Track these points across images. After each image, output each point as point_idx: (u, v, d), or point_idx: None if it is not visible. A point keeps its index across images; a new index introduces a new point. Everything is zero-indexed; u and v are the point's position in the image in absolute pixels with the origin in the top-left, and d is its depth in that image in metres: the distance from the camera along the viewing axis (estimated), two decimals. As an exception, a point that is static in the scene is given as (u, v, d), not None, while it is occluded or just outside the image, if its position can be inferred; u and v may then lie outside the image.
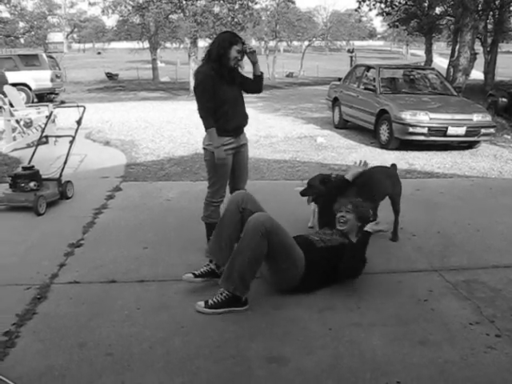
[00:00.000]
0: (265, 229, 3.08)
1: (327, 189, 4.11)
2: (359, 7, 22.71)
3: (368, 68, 11.24)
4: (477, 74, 24.70)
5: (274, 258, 3.20)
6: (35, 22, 40.38)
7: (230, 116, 3.73)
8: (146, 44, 33.74)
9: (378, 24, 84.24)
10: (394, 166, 4.74)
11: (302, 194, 4.34)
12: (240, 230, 3.35)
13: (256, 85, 3.93)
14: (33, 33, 39.86)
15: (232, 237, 3.36)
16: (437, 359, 2.65)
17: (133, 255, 4.00)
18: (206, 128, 3.72)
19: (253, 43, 44.47)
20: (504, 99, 12.61)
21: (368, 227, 3.44)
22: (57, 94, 18.90)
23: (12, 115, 8.71)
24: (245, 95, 3.99)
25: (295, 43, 54.69)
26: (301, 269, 3.26)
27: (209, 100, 3.67)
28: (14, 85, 12.37)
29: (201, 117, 3.73)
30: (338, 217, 3.63)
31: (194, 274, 3.40)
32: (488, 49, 22.59)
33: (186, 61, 32.66)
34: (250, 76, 3.90)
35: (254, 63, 3.81)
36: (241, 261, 3.08)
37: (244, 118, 3.92)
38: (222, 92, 3.67)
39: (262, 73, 3.90)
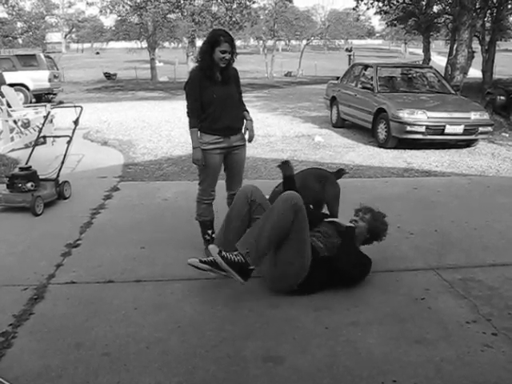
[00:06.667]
0: (296, 203, 3.14)
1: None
2: (357, 6, 22.69)
3: (366, 67, 11.23)
4: (475, 73, 24.65)
5: (288, 243, 3.18)
6: (33, 23, 40.46)
7: (217, 116, 3.73)
8: (144, 44, 33.72)
9: (377, 23, 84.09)
10: (338, 171, 4.51)
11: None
12: (247, 222, 3.39)
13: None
14: (31, 33, 39.91)
15: (240, 229, 3.38)
16: (433, 358, 2.65)
17: (130, 255, 4.00)
18: (190, 127, 3.79)
19: (251, 42, 44.49)
20: (502, 97, 12.61)
21: None
22: (55, 94, 18.85)
23: (10, 115, 8.70)
24: (243, 94, 4.02)
25: (293, 42, 54.64)
26: (305, 270, 3.24)
27: (195, 100, 3.72)
28: (11, 85, 12.33)
29: (188, 115, 3.79)
30: (351, 219, 3.64)
31: (200, 259, 3.31)
32: (486, 47, 22.51)
33: (185, 60, 32.70)
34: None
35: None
36: (262, 225, 3.11)
37: (236, 120, 3.88)
38: (210, 92, 3.68)
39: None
